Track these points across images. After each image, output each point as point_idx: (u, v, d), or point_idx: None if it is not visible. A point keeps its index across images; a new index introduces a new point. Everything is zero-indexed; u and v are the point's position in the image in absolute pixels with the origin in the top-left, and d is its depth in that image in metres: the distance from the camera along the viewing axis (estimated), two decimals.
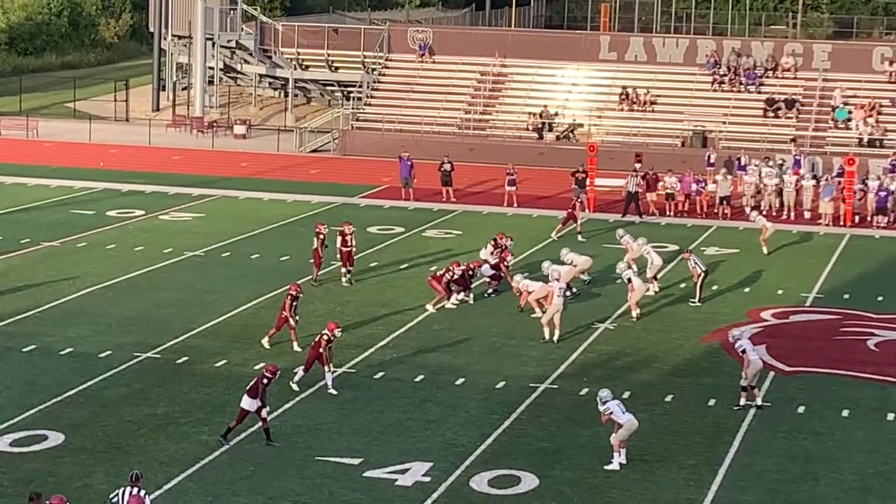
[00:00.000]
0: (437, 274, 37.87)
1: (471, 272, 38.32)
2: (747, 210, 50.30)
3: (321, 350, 29.77)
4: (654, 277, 39.52)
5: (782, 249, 46.10)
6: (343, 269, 39.98)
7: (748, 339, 30.59)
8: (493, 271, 39.20)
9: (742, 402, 29.50)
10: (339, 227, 40.76)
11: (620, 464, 25.89)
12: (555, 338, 34.17)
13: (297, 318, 33.29)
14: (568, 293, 38.37)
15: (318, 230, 40.18)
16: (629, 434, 26.04)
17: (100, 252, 43.53)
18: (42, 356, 32.14)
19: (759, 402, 29.51)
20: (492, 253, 39.76)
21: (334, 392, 29.72)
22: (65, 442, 26.56)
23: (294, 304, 33.11)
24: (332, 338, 29.97)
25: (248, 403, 26.63)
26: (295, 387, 29.85)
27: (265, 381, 26.75)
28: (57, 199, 52.74)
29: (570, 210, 47.69)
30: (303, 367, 30.15)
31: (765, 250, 45.17)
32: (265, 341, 33.17)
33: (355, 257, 40.63)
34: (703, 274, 38.62)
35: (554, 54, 69.66)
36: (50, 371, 31.01)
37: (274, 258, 43.24)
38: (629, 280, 36.74)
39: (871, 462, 26.70)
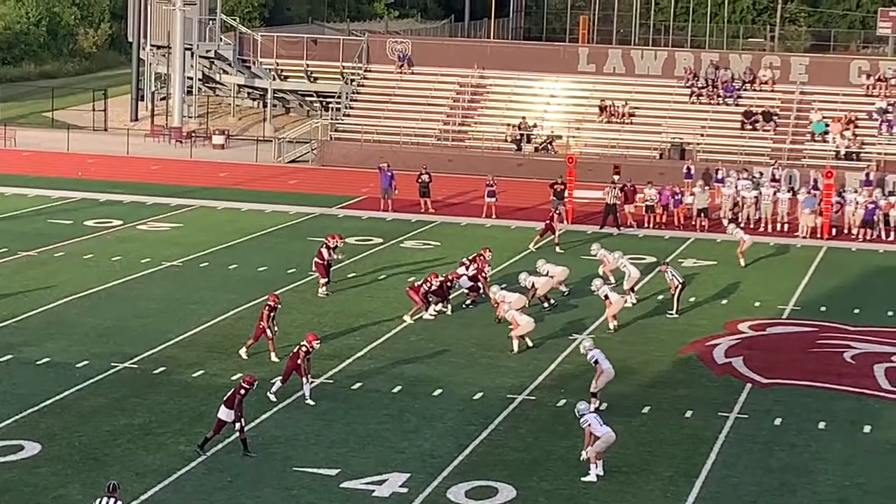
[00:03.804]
0: (415, 284, 37.89)
1: (449, 283, 38.36)
2: (725, 222, 50.48)
3: (299, 361, 29.77)
4: (631, 289, 39.59)
5: (759, 262, 46.21)
6: (322, 280, 39.98)
7: (599, 350, 30.44)
8: (472, 283, 39.23)
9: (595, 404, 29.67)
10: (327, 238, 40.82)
11: (598, 475, 25.91)
12: (515, 346, 34.37)
13: (276, 328, 33.29)
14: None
15: (326, 242, 40.23)
16: (606, 447, 26.07)
17: (77, 262, 43.44)
18: (19, 366, 32.03)
19: (601, 407, 29.51)
20: (467, 267, 39.68)
21: (312, 403, 29.71)
22: (41, 452, 26.47)
23: (272, 314, 33.10)
24: (310, 349, 29.97)
25: (224, 414, 26.62)
26: (272, 397, 29.83)
27: (242, 391, 26.74)
28: (34, 209, 52.61)
29: (547, 221, 47.75)
30: (280, 377, 30.14)
31: (742, 262, 45.29)
32: (243, 352, 33.14)
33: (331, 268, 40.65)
34: (680, 286, 38.70)
35: (532, 66, 69.80)
36: (26, 381, 30.91)
37: (252, 268, 43.20)
38: (606, 297, 36.80)
39: (847, 474, 26.78)
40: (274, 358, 32.63)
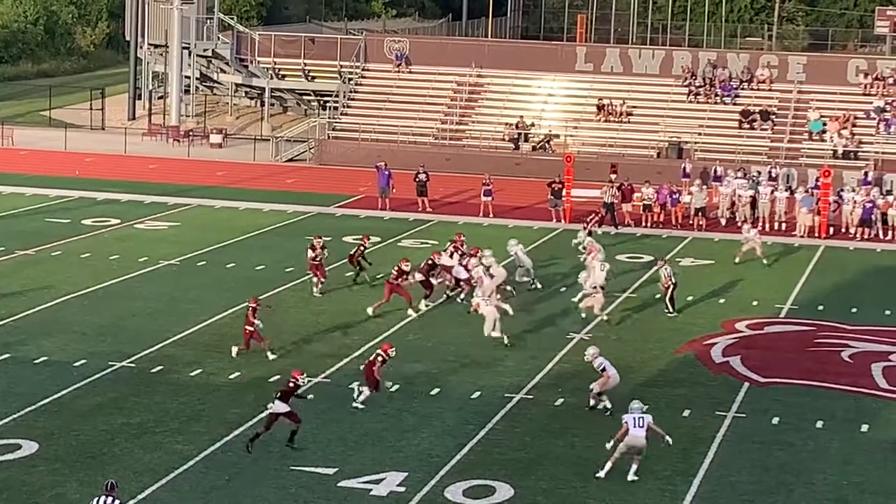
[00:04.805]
0: (392, 277, 37.79)
1: (430, 266, 38.39)
2: (722, 221, 50.62)
3: (374, 368, 29.75)
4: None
5: (757, 261, 46.13)
6: (315, 280, 39.95)
7: (604, 357, 30.36)
8: (466, 273, 39.16)
9: (592, 403, 29.79)
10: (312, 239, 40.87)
11: (605, 474, 25.80)
12: (505, 341, 34.50)
13: (260, 324, 33.09)
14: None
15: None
16: (626, 448, 25.88)
17: (75, 261, 43.42)
18: (16, 365, 32.03)
19: (599, 406, 29.77)
20: (451, 255, 39.76)
21: (361, 406, 29.56)
22: (38, 451, 26.46)
23: (256, 314, 33.02)
24: (386, 358, 29.95)
25: (281, 408, 26.83)
26: (360, 406, 29.66)
27: (291, 385, 27.02)
28: (32, 208, 52.59)
29: (596, 212, 48.51)
30: (367, 386, 29.94)
31: (736, 259, 45.29)
32: (270, 355, 32.85)
33: (327, 267, 40.63)
34: (672, 285, 38.64)
35: (530, 65, 69.78)
36: (24, 380, 30.91)
37: (249, 267, 43.19)
38: (594, 287, 36.95)
39: (845, 473, 26.78)
40: (271, 356, 32.67)
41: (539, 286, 40.97)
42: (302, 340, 34.79)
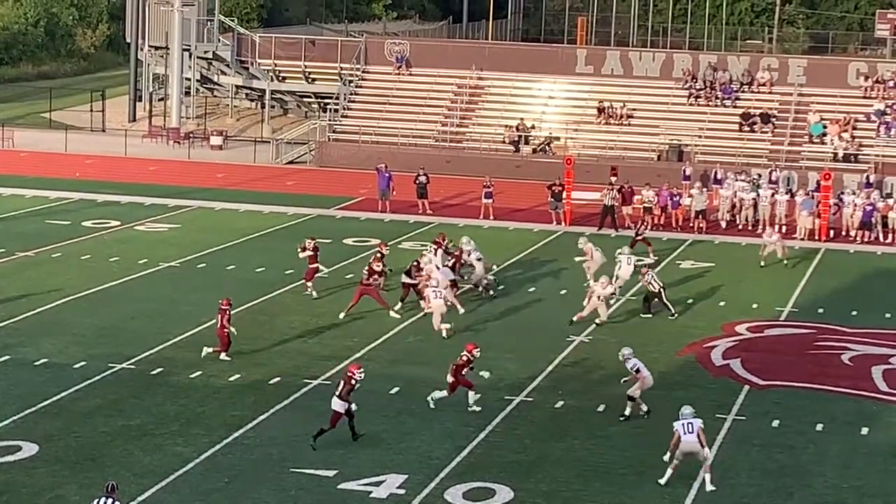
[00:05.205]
0: (363, 279, 37.77)
1: (417, 268, 38.43)
2: (723, 224, 50.58)
3: (464, 371, 29.72)
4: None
5: (756, 263, 46.14)
6: (309, 283, 39.95)
7: (638, 359, 30.34)
8: (454, 276, 39.09)
9: (628, 412, 29.65)
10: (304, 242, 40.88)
11: (667, 481, 25.78)
12: (444, 334, 35.09)
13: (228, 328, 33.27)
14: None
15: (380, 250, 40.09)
16: (682, 455, 25.83)
17: (75, 263, 43.42)
18: (16, 367, 32.03)
19: (642, 409, 29.79)
20: (442, 256, 39.78)
21: (478, 409, 29.58)
22: (39, 453, 26.47)
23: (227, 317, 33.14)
24: (471, 358, 29.84)
25: (339, 405, 27.10)
26: (432, 404, 29.73)
27: (353, 382, 27.21)
28: (32, 210, 52.59)
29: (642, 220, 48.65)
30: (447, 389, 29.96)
31: (784, 261, 45.41)
32: (207, 350, 33.02)
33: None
34: (660, 287, 38.63)
35: (530, 67, 69.77)
36: (24, 382, 30.91)
37: (250, 269, 43.19)
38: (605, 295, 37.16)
39: (845, 476, 26.79)
40: (205, 352, 32.79)
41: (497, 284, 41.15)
42: (302, 342, 34.81)
